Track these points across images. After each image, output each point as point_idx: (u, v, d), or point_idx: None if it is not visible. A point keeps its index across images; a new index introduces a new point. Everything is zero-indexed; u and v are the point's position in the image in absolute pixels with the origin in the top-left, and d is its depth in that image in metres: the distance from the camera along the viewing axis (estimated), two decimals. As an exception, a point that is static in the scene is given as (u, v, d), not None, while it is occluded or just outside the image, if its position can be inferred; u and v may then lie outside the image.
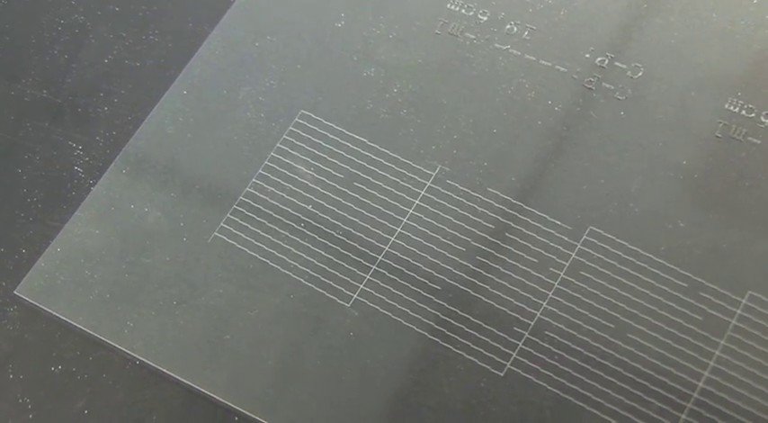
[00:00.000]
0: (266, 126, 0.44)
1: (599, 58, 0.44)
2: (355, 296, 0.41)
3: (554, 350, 0.39)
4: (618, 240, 0.40)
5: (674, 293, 0.39)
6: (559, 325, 0.39)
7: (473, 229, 0.41)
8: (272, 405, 0.39)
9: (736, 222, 0.40)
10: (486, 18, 0.46)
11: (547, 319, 0.40)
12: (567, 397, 0.38)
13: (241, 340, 0.40)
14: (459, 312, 0.40)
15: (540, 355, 0.39)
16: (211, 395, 0.40)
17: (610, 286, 0.40)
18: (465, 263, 0.41)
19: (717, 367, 0.38)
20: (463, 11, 0.46)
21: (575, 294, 0.40)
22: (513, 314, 0.40)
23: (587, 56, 0.44)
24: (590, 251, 0.40)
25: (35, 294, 0.42)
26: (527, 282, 0.40)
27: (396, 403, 0.39)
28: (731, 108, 0.42)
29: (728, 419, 0.37)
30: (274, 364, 0.40)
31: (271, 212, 0.42)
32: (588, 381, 0.38)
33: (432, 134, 0.43)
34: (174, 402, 0.40)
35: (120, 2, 0.49)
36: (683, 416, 0.38)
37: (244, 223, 0.42)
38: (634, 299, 0.39)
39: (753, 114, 0.42)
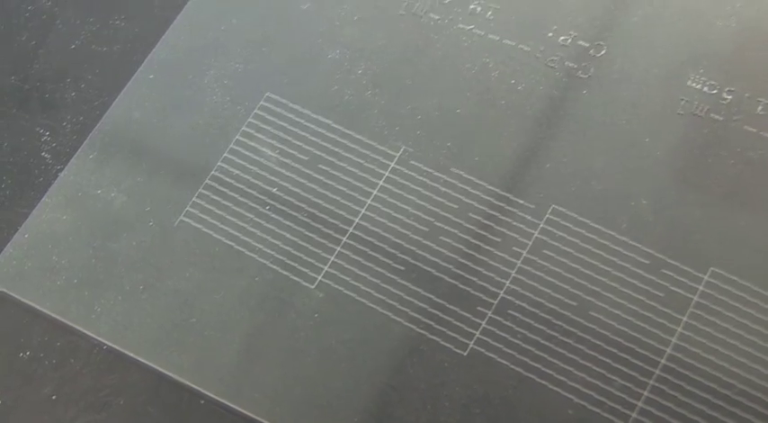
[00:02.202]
0: (232, 109, 0.42)
1: (562, 37, 0.42)
2: (320, 278, 0.39)
3: (517, 329, 0.37)
4: (580, 218, 0.38)
5: (637, 271, 0.37)
6: (522, 304, 0.38)
7: (436, 210, 0.39)
8: (237, 387, 0.37)
9: (699, 199, 0.38)
10: (450, -1, 0.44)
11: (510, 297, 0.38)
12: (529, 375, 0.37)
13: (207, 323, 0.38)
14: (423, 292, 0.38)
15: (503, 334, 0.37)
16: (178, 378, 0.38)
17: (572, 264, 0.38)
18: (428, 243, 0.39)
19: (679, 344, 0.36)
20: (428, -8, 0.44)
21: (537, 273, 0.38)
22: (477, 294, 0.38)
23: (550, 35, 0.42)
24: (553, 229, 0.38)
25: (3, 281, 0.40)
26: (490, 261, 0.38)
27: (360, 384, 0.37)
28: (693, 85, 0.40)
29: (690, 396, 0.36)
30: (240, 347, 0.38)
31: (236, 196, 0.40)
32: (551, 359, 0.37)
33: (396, 115, 0.41)
34: (142, 386, 0.38)
35: (88, -12, 0.47)
36: (646, 392, 0.36)
37: (209, 207, 0.40)
38: (596, 276, 0.38)
39: (715, 91, 0.40)
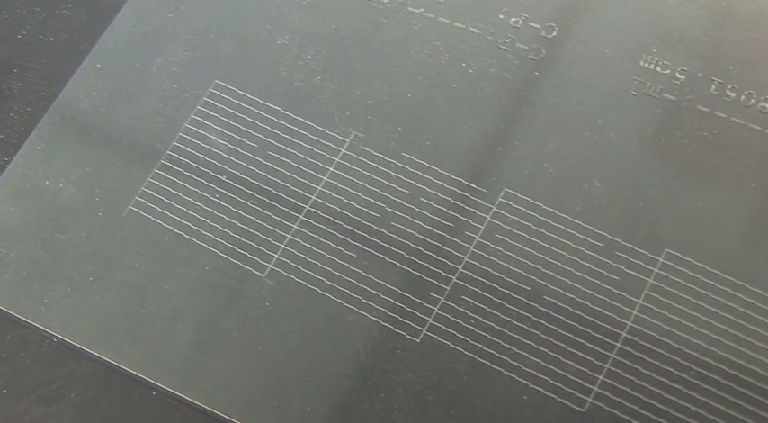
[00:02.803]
0: (180, 97, 0.41)
1: (513, 19, 0.41)
2: (271, 266, 0.38)
3: (470, 315, 0.36)
4: (533, 202, 0.37)
5: (591, 254, 0.36)
6: (475, 289, 0.37)
7: (387, 196, 0.38)
8: (189, 378, 0.36)
9: (653, 180, 0.37)
10: (402, -17, 0.43)
11: (463, 283, 0.37)
12: (483, 361, 0.36)
13: (158, 314, 0.37)
14: (375, 279, 0.37)
15: (457, 320, 0.36)
16: (129, 370, 0.37)
17: (526, 248, 0.37)
18: (380, 229, 0.38)
19: (634, 327, 0.35)
20: (379, -24, 0.43)
21: (490, 258, 0.37)
22: (429, 279, 0.37)
23: (501, 17, 0.41)
24: (505, 213, 0.37)
25: (-50, 274, 0.40)
26: (442, 246, 0.37)
27: (313, 372, 0.36)
28: (646, 65, 0.39)
29: (646, 379, 0.35)
30: (191, 337, 0.37)
31: (185, 184, 0.39)
32: (505, 344, 0.36)
33: (346, 100, 0.40)
34: (93, 379, 0.37)
35: (35, -23, 0.45)
36: (601, 377, 0.35)
37: (158, 196, 0.39)
38: (550, 260, 0.37)
39: (668, 71, 0.39)
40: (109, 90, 0.42)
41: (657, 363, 0.35)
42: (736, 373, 0.34)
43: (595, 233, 0.37)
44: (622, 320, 0.35)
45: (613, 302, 0.36)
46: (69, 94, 0.42)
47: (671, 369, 0.35)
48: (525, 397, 0.35)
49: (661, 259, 0.36)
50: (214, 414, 0.36)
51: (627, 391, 0.35)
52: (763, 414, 0.34)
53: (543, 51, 0.40)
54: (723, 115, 0.38)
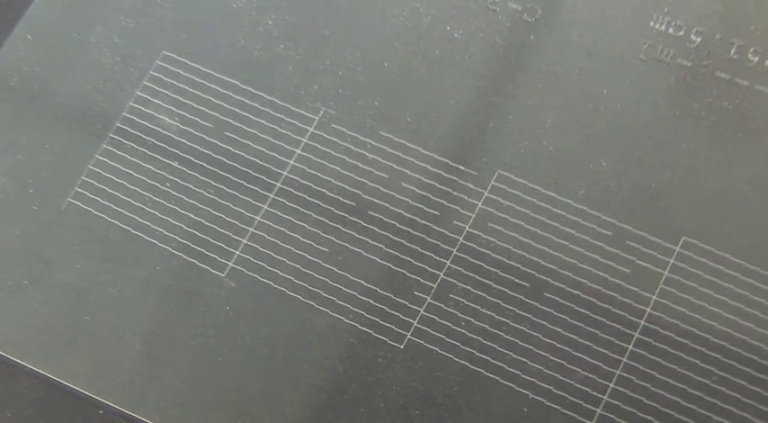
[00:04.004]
0: (123, 72, 0.39)
1: (504, -24, 0.40)
2: (231, 264, 0.36)
3: (460, 316, 0.35)
4: (531, 185, 0.36)
5: (598, 244, 0.35)
6: (466, 286, 0.35)
7: (363, 181, 0.37)
8: (140, 395, 0.35)
9: (666, 159, 0.36)
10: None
11: (452, 279, 0.35)
12: (477, 369, 0.34)
13: (103, 322, 0.36)
14: (351, 277, 0.36)
15: (446, 323, 0.35)
16: (71, 386, 0.36)
17: (523, 239, 0.35)
18: (355, 219, 0.36)
19: (649, 327, 0.34)
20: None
21: (482, 250, 0.35)
22: (413, 276, 0.35)
23: (490, -27, 0.40)
24: (499, 199, 0.36)
25: None
26: (427, 238, 0.36)
27: (281, 386, 0.35)
28: (657, 26, 0.37)
29: (662, 386, 0.33)
30: (142, 348, 0.35)
31: (131, 172, 0.38)
32: (501, 349, 0.34)
33: (314, 72, 0.38)
34: (30, 396, 0.36)
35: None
36: (612, 384, 0.34)
37: (101, 186, 0.38)
38: (551, 252, 0.35)
39: (682, 32, 0.37)
40: (41, 65, 0.40)
41: (675, 366, 0.34)
42: (764, 375, 0.33)
43: (602, 220, 0.35)
44: (635, 319, 0.34)
45: (624, 299, 0.35)
46: (-4, 70, 0.41)
47: (690, 373, 0.33)
48: (525, 409, 0.34)
49: (677, 248, 0.35)
50: None
51: (641, 401, 0.33)
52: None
53: (539, 11, 0.38)
54: (745, 82, 0.37)
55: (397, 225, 0.36)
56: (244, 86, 0.38)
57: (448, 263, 0.35)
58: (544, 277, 0.35)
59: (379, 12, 0.39)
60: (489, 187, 0.36)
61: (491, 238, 0.36)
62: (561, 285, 0.35)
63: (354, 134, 0.37)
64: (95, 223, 0.37)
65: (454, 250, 0.35)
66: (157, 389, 0.35)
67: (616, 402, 0.33)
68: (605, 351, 0.34)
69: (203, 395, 0.35)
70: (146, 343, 0.36)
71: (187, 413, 0.35)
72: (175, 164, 0.38)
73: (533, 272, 0.35)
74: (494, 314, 0.35)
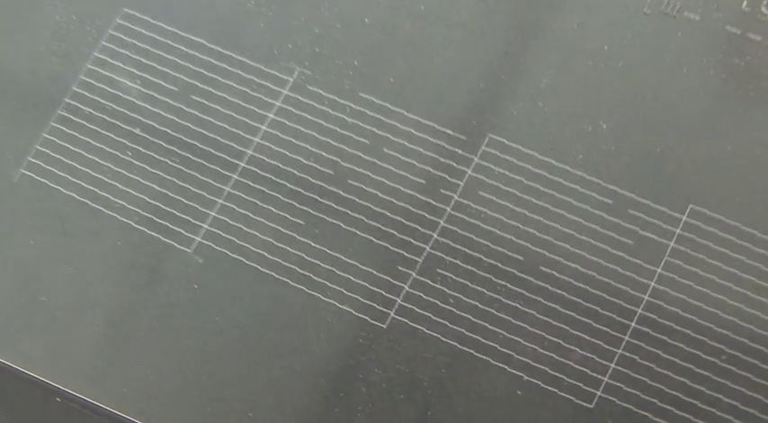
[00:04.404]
0: (80, 31, 0.38)
1: None
2: (198, 239, 0.35)
3: (449, 292, 0.34)
4: (525, 150, 0.35)
5: (598, 213, 0.34)
6: (455, 260, 0.34)
7: (342, 147, 0.35)
8: (101, 380, 0.34)
9: (673, 120, 0.35)
10: None
11: (439, 253, 0.34)
12: (466, 350, 0.33)
13: (60, 303, 0.35)
14: (329, 251, 0.34)
15: (432, 300, 0.34)
16: (27, 372, 0.35)
17: (516, 208, 0.34)
18: (333, 189, 0.35)
19: (653, 302, 0.33)
20: None
21: (472, 221, 0.34)
22: (397, 250, 0.34)
23: None
24: (490, 166, 0.35)
25: None
26: (412, 208, 0.35)
27: (254, 368, 0.34)
28: None
29: (668, 365, 0.32)
30: (102, 330, 0.35)
31: (89, 140, 0.37)
32: (493, 328, 0.33)
33: (287, 29, 0.37)
34: None
35: None
36: (613, 365, 0.33)
37: (57, 155, 0.37)
38: (547, 223, 0.34)
39: None
40: (-10, 25, 0.40)
41: (681, 345, 0.33)
42: None
43: (603, 187, 0.34)
44: (638, 294, 0.33)
45: (627, 272, 0.33)
46: (-60, 31, 0.40)
47: (698, 352, 0.32)
48: (519, 392, 0.33)
49: (684, 217, 0.34)
50: None
51: (644, 382, 0.32)
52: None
53: (533, -39, 0.38)
54: (758, 38, 0.35)
55: (380, 195, 0.35)
56: (211, 46, 0.37)
57: (435, 235, 0.34)
58: (539, 250, 0.34)
59: (357, -38, 0.39)
60: (480, 153, 0.35)
61: (482, 208, 0.34)
62: (558, 258, 0.34)
63: (332, 96, 0.36)
64: (50, 196, 0.37)
65: (441, 222, 0.34)
66: (119, 374, 0.34)
67: (618, 384, 0.32)
68: (606, 329, 0.33)
69: (169, 380, 0.34)
70: (107, 325, 0.35)
71: (152, 400, 0.34)
72: (137, 131, 0.37)
73: (528, 244, 0.34)
74: (485, 290, 0.34)
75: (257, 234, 0.35)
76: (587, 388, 0.33)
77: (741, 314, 0.33)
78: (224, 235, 0.35)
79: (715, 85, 0.35)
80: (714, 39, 0.36)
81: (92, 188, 0.36)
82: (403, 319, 0.34)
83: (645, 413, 0.32)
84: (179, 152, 0.36)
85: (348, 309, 0.34)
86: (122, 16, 0.38)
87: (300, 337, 0.34)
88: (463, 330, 0.34)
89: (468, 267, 0.34)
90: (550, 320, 0.33)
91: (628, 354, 0.33)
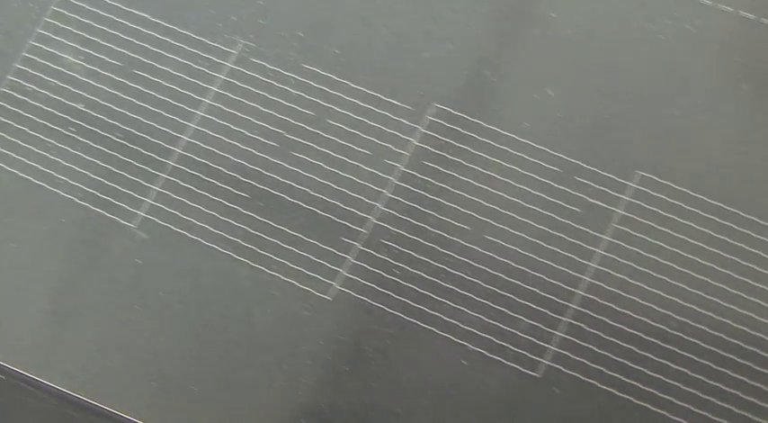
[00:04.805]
0: (22, 8, 0.38)
1: None
2: (142, 214, 0.35)
3: (394, 263, 0.34)
4: (470, 119, 0.35)
5: (545, 181, 0.34)
6: (400, 231, 0.34)
7: (287, 119, 0.35)
8: (45, 358, 0.34)
9: (620, 87, 0.35)
10: None
11: (384, 224, 0.34)
12: (411, 320, 0.33)
13: (3, 280, 0.35)
14: (274, 224, 0.34)
15: (377, 271, 0.34)
16: None
17: (462, 178, 0.34)
18: (278, 161, 0.35)
19: (600, 270, 0.33)
20: None
21: (418, 191, 0.34)
22: (341, 222, 0.34)
23: None
24: (435, 135, 0.35)
25: None
26: (357, 179, 0.35)
27: (197, 344, 0.34)
28: None
29: (616, 333, 0.32)
30: (46, 307, 0.35)
31: (32, 117, 0.37)
32: (438, 297, 0.33)
33: (231, 2, 0.37)
34: None
35: None
36: (559, 333, 0.33)
37: None
38: (494, 191, 0.34)
39: None
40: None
41: (629, 312, 0.33)
42: (727, 320, 0.32)
43: (550, 155, 0.34)
44: (585, 262, 0.33)
45: (574, 240, 0.33)
46: None
47: (646, 319, 0.32)
48: (465, 361, 0.33)
49: (632, 184, 0.34)
50: (78, 400, 0.34)
51: (592, 350, 0.32)
52: (755, 384, 0.32)
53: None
54: (708, 2, 0.35)
55: (324, 166, 0.35)
56: (155, 20, 0.37)
57: (380, 206, 0.34)
58: (485, 219, 0.34)
59: (299, -68, 0.39)
60: (425, 122, 0.35)
61: (427, 178, 0.34)
62: (503, 227, 0.34)
63: (276, 68, 0.36)
64: (-7, 173, 0.38)
65: (386, 192, 0.34)
66: (64, 350, 0.34)
67: (564, 352, 0.32)
68: (552, 297, 0.33)
69: (114, 356, 0.34)
70: (50, 301, 0.35)
71: (96, 376, 0.34)
72: (80, 106, 0.37)
73: (474, 213, 0.34)
74: (430, 260, 0.34)
75: (201, 208, 0.35)
76: (533, 357, 0.33)
77: (690, 281, 0.33)
78: (167, 209, 0.35)
79: (663, 52, 0.35)
80: (661, 3, 0.35)
81: (34, 165, 0.36)
82: (347, 291, 0.34)
83: (592, 381, 0.32)
84: (122, 127, 0.36)
85: (292, 281, 0.34)
86: (64, -9, 0.39)
87: (244, 310, 0.34)
88: (408, 301, 0.34)
89: (414, 238, 0.34)
90: (496, 290, 0.33)
91: (574, 322, 0.33)
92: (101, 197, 0.35)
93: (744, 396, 0.32)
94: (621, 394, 0.32)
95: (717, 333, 0.32)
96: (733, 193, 0.33)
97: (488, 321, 0.33)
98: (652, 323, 0.32)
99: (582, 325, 0.33)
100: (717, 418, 0.31)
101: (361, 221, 0.34)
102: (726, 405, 0.32)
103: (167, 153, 0.35)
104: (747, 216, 0.33)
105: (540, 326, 0.33)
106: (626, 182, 0.34)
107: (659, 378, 0.32)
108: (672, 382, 0.32)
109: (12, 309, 0.35)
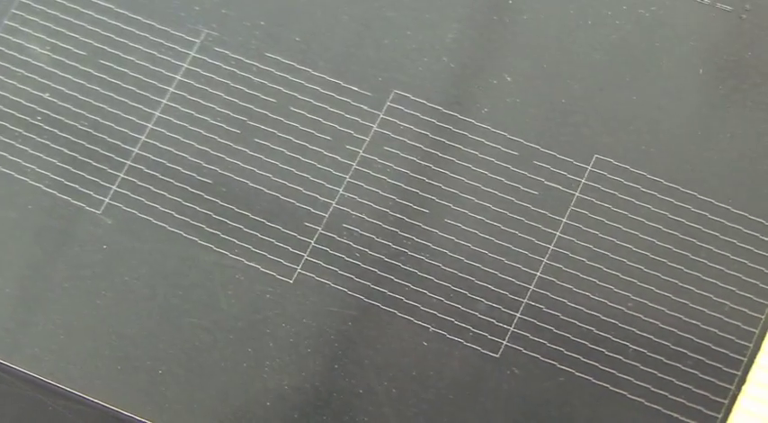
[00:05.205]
0: None
1: None
2: (108, 200, 0.35)
3: (354, 246, 0.34)
4: (430, 105, 0.35)
5: (503, 165, 0.34)
6: (361, 215, 0.34)
7: (249, 106, 0.36)
8: (12, 342, 0.35)
9: (578, 71, 0.35)
10: None
11: (345, 208, 0.34)
12: (373, 303, 0.34)
13: None
14: (236, 209, 0.35)
15: (339, 255, 0.34)
16: None
17: (421, 162, 0.35)
18: (241, 148, 0.35)
19: (558, 252, 0.33)
20: None
21: (378, 176, 0.35)
22: (304, 207, 0.35)
23: None
24: (396, 121, 0.35)
25: None
26: (319, 165, 0.35)
27: (163, 327, 0.34)
28: None
29: (574, 314, 0.33)
30: (13, 292, 0.35)
31: None
32: (399, 281, 0.34)
33: None
34: None
35: None
36: (519, 314, 0.33)
37: None
38: (453, 176, 0.34)
39: None
40: None
41: (588, 293, 0.33)
42: (685, 300, 0.32)
43: (508, 139, 0.35)
44: (544, 244, 0.33)
45: (532, 223, 0.34)
46: None
47: (604, 300, 0.33)
48: (425, 343, 0.33)
49: (590, 167, 0.34)
50: (45, 384, 0.34)
51: (551, 331, 0.33)
52: (713, 364, 0.32)
53: None
54: None
55: (286, 152, 0.35)
56: (119, 10, 0.37)
57: (341, 190, 0.35)
58: (445, 202, 0.34)
59: None
60: (385, 108, 0.35)
61: (387, 163, 0.35)
62: (463, 211, 0.34)
63: (239, 57, 0.36)
64: (-38, 162, 0.38)
65: (347, 177, 0.35)
66: (31, 335, 0.35)
67: (524, 334, 0.33)
68: (511, 279, 0.33)
69: (81, 340, 0.34)
70: (18, 287, 0.35)
71: (63, 360, 0.34)
72: (47, 96, 0.37)
73: (432, 196, 0.34)
74: (391, 244, 0.34)
75: (165, 194, 0.35)
76: (493, 338, 0.33)
77: (647, 262, 0.33)
78: (133, 196, 0.35)
79: (620, 36, 0.35)
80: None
81: (2, 153, 0.36)
82: (309, 274, 0.34)
83: (551, 361, 0.33)
84: (88, 116, 0.36)
85: (255, 265, 0.34)
86: (31, -16, 0.39)
87: (209, 294, 0.34)
88: (369, 284, 0.34)
89: (374, 222, 0.34)
90: (456, 272, 0.34)
91: (534, 304, 0.33)
92: (67, 184, 0.36)
93: (702, 376, 0.32)
94: (580, 374, 0.32)
95: (675, 314, 0.33)
96: (689, 175, 0.34)
97: (449, 303, 0.33)
98: (610, 304, 0.33)
99: (541, 306, 0.33)
100: (676, 398, 0.32)
101: (323, 206, 0.34)
102: (685, 385, 0.32)
103: (132, 141, 0.36)
104: (703, 198, 0.33)
105: (500, 308, 0.33)
106: (583, 165, 0.34)
107: (618, 358, 0.32)
108: (631, 362, 0.32)
109: (-20, 295, 0.36)
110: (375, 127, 0.35)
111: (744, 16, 0.36)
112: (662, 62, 0.35)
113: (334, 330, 0.34)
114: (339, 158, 0.35)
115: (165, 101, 0.36)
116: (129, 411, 0.33)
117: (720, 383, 0.32)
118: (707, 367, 0.32)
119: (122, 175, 0.36)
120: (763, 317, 0.32)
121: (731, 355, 0.32)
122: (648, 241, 0.33)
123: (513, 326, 0.33)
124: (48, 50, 0.37)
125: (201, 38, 0.37)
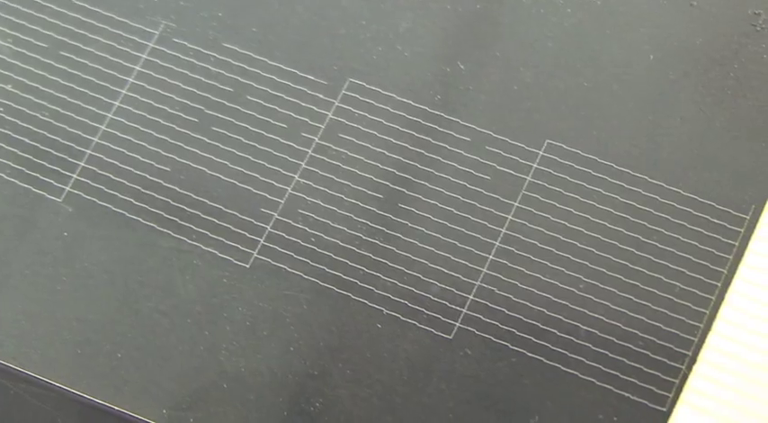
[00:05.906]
0: None
1: None
2: (68, 188, 0.37)
3: (310, 232, 0.35)
4: (384, 93, 0.36)
5: (456, 151, 0.36)
6: (316, 201, 0.36)
7: (207, 95, 0.37)
8: None
9: (529, 58, 0.36)
10: None
11: (300, 194, 0.36)
12: (327, 286, 0.35)
13: None
14: (194, 196, 0.36)
15: (294, 239, 0.35)
16: None
17: (376, 149, 0.36)
18: (199, 136, 0.37)
19: (510, 235, 0.34)
20: None
21: (333, 162, 0.36)
22: (260, 193, 0.36)
23: None
24: (351, 108, 0.36)
25: None
26: (275, 152, 0.36)
27: (123, 312, 0.35)
28: None
29: (524, 295, 0.34)
30: None
31: None
32: (353, 265, 0.35)
33: None
34: None
35: None
36: (471, 296, 0.34)
37: None
38: (407, 162, 0.36)
39: None
40: None
41: (539, 276, 0.34)
42: (636, 282, 0.34)
43: (461, 126, 0.36)
44: (496, 228, 0.35)
45: (484, 207, 0.35)
46: None
47: (556, 282, 0.34)
48: (379, 325, 0.34)
49: (541, 152, 0.35)
50: (7, 368, 0.35)
51: (503, 312, 0.34)
52: (664, 344, 0.33)
53: None
54: None
55: (243, 140, 0.36)
56: (79, 3, 0.39)
57: (296, 177, 0.36)
58: (398, 188, 0.35)
59: None
60: (340, 96, 0.37)
61: (342, 150, 0.36)
62: (416, 196, 0.35)
63: (197, 47, 0.38)
64: (-73, 153, 0.39)
65: (303, 164, 0.36)
66: None
67: (476, 315, 0.34)
68: (464, 263, 0.35)
69: (41, 325, 0.35)
70: None
71: (24, 345, 0.35)
72: (9, 87, 0.38)
73: (387, 182, 0.36)
74: (345, 228, 0.35)
75: (125, 182, 0.36)
76: (446, 320, 0.34)
77: (599, 244, 0.34)
78: (92, 184, 0.37)
79: (572, 23, 0.37)
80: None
81: None
82: (265, 259, 0.35)
83: (503, 342, 0.34)
84: (49, 106, 0.38)
85: (213, 250, 0.36)
86: (-8, -23, 0.41)
87: (167, 279, 0.35)
88: (324, 268, 0.35)
89: (329, 207, 0.36)
90: (409, 256, 0.35)
91: (486, 286, 0.34)
92: (28, 173, 0.37)
93: (653, 356, 0.33)
94: (532, 355, 0.34)
95: (626, 295, 0.34)
96: (640, 159, 0.35)
97: (402, 286, 0.35)
98: (561, 286, 0.34)
99: (493, 288, 0.34)
100: (627, 378, 0.33)
101: (279, 192, 0.36)
102: (636, 365, 0.33)
103: (92, 130, 0.37)
104: (654, 181, 0.35)
105: (453, 290, 0.34)
106: (535, 150, 0.35)
107: (569, 339, 0.34)
108: (582, 343, 0.34)
109: (-57, 282, 0.37)
110: (330, 115, 0.37)
111: (694, 3, 0.37)
112: (612, 48, 0.36)
113: (290, 313, 0.35)
114: (295, 146, 0.36)
115: (124, 91, 0.37)
116: (88, 394, 0.35)
117: (671, 363, 0.33)
118: (657, 347, 0.33)
119: (83, 164, 0.37)
120: (713, 297, 0.34)
121: (682, 335, 0.33)
122: (599, 224, 0.34)
123: (465, 308, 0.34)
124: (9, 42, 0.38)
125: (160, 29, 0.38)
